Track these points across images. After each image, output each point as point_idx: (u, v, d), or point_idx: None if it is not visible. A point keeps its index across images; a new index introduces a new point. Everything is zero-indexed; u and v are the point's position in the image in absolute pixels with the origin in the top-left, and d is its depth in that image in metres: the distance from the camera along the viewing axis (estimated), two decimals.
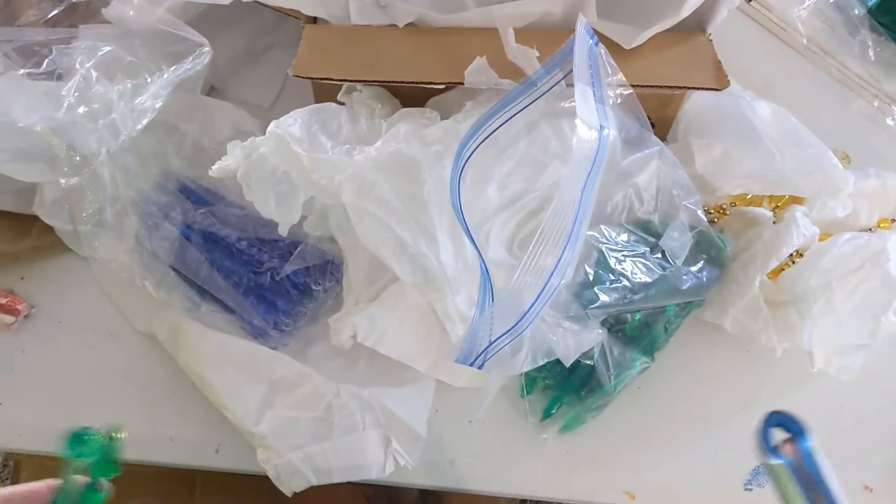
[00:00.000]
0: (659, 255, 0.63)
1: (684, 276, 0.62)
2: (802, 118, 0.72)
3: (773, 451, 0.43)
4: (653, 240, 0.63)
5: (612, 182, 0.63)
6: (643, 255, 0.62)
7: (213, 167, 0.60)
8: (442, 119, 0.67)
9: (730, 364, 0.67)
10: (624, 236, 0.63)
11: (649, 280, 0.61)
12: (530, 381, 0.63)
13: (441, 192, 0.59)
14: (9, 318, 0.65)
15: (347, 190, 0.59)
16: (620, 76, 0.61)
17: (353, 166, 0.59)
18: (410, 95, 0.70)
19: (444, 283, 0.58)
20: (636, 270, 0.61)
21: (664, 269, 0.62)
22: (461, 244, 0.60)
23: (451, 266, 0.59)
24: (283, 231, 0.63)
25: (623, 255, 0.62)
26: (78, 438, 0.39)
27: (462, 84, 0.63)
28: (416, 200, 0.59)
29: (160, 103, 0.64)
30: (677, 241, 0.62)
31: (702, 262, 0.64)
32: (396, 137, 0.62)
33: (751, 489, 0.62)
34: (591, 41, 0.60)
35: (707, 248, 0.64)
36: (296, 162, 0.59)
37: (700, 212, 0.64)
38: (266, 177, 0.60)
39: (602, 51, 0.60)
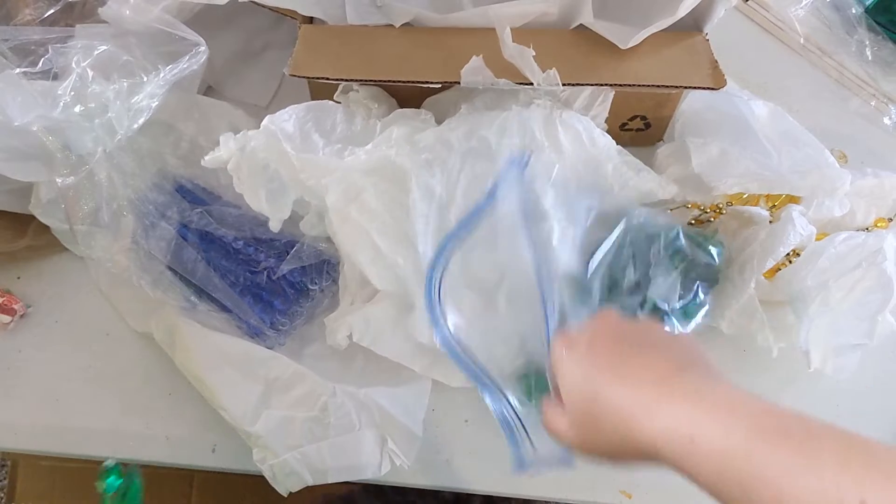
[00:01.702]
0: (651, 306, 0.62)
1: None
2: (799, 117, 0.72)
3: None
4: (640, 297, 0.63)
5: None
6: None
7: (206, 157, 0.61)
8: (437, 119, 0.67)
9: (726, 363, 0.67)
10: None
11: None
12: (529, 385, 0.62)
13: (427, 201, 0.59)
14: (5, 318, 0.65)
15: (333, 193, 0.59)
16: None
17: (340, 169, 0.59)
18: (407, 95, 0.70)
19: (417, 295, 0.58)
20: None
21: (662, 317, 0.62)
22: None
23: None
24: (274, 227, 0.63)
25: None
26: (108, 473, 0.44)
27: (458, 83, 0.63)
28: (402, 208, 0.59)
29: (156, 103, 0.63)
30: (663, 285, 0.62)
31: (696, 284, 0.64)
32: (388, 141, 0.62)
33: None
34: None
35: (701, 271, 0.64)
36: (285, 160, 0.59)
37: (683, 240, 0.63)
38: (258, 170, 0.60)
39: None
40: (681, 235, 0.63)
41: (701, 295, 0.64)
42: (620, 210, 0.63)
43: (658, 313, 0.62)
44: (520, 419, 0.51)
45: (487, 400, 0.52)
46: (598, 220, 0.61)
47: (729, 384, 0.37)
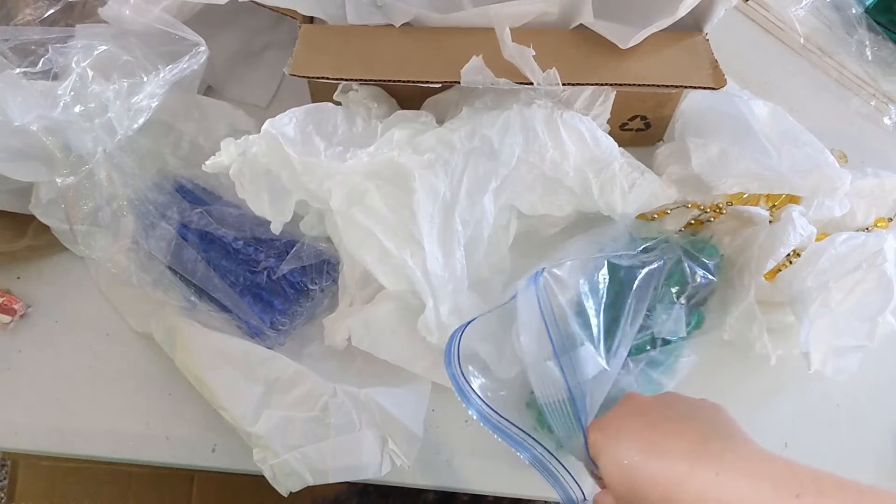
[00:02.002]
0: (661, 342, 0.63)
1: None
2: (799, 117, 0.72)
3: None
4: (648, 336, 0.63)
5: None
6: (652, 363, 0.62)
7: (207, 163, 0.61)
8: (437, 119, 0.67)
9: (726, 363, 0.67)
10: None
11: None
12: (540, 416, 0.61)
13: (432, 201, 0.60)
14: (5, 318, 0.65)
15: (336, 196, 0.59)
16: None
17: (342, 172, 0.59)
18: (407, 95, 0.70)
19: (427, 294, 0.59)
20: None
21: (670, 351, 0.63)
22: (451, 254, 0.60)
23: (437, 276, 0.59)
24: (276, 229, 0.63)
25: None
26: None
27: (458, 83, 0.63)
28: (406, 209, 0.59)
29: (156, 102, 0.63)
30: (668, 320, 0.62)
31: (697, 306, 0.65)
32: (389, 143, 0.62)
33: None
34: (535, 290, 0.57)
35: (701, 291, 0.65)
36: (287, 164, 0.59)
37: (685, 264, 0.64)
38: (259, 175, 0.60)
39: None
40: (683, 263, 0.64)
41: (702, 313, 0.65)
42: (626, 259, 0.63)
43: (668, 345, 0.62)
44: (563, 465, 0.53)
45: (524, 457, 0.53)
46: (609, 279, 0.62)
47: (752, 446, 0.42)
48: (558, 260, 0.59)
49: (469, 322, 0.56)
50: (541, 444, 0.53)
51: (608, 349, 0.56)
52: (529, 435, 0.53)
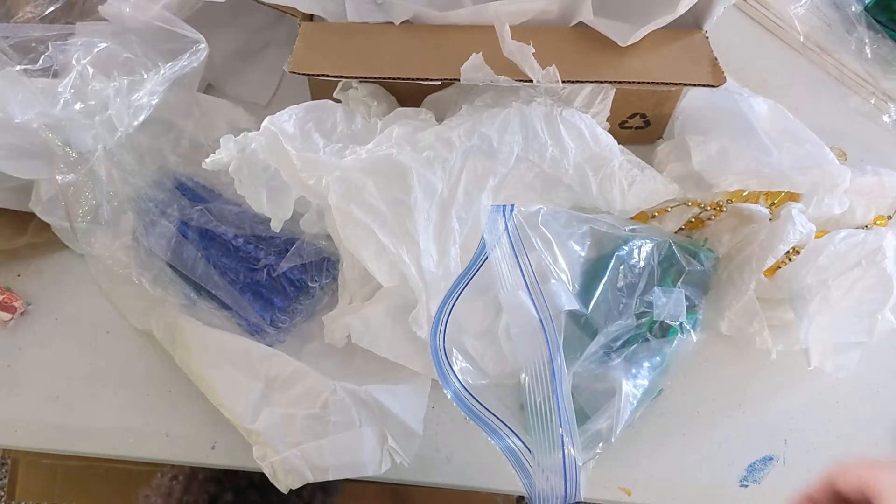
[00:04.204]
0: (660, 326, 0.62)
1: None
2: (799, 115, 0.72)
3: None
4: (647, 319, 0.62)
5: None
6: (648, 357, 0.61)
7: (206, 160, 0.61)
8: (437, 117, 0.67)
9: (725, 360, 0.67)
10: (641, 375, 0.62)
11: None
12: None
13: (429, 199, 0.60)
14: (5, 316, 0.65)
15: (334, 192, 0.59)
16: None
17: (341, 168, 0.59)
18: (407, 92, 0.71)
19: (420, 290, 0.59)
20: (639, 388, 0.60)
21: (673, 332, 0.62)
22: (445, 251, 0.60)
23: (430, 272, 0.59)
24: (275, 227, 0.63)
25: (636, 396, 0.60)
26: None
27: (458, 81, 0.63)
28: (403, 206, 0.59)
29: (156, 100, 0.64)
30: (668, 303, 0.61)
31: (693, 293, 0.64)
32: (388, 140, 0.62)
33: (746, 485, 0.62)
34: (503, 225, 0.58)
35: (696, 279, 0.64)
36: (286, 160, 0.59)
37: (676, 252, 0.63)
38: (258, 172, 0.61)
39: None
40: (673, 248, 0.64)
41: (698, 302, 0.65)
42: (610, 228, 0.63)
43: (667, 330, 0.62)
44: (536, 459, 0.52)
45: (499, 446, 0.53)
46: (592, 242, 0.62)
47: None
48: None
49: (457, 292, 0.56)
50: (515, 435, 0.53)
51: (585, 303, 0.56)
52: (505, 424, 0.53)
